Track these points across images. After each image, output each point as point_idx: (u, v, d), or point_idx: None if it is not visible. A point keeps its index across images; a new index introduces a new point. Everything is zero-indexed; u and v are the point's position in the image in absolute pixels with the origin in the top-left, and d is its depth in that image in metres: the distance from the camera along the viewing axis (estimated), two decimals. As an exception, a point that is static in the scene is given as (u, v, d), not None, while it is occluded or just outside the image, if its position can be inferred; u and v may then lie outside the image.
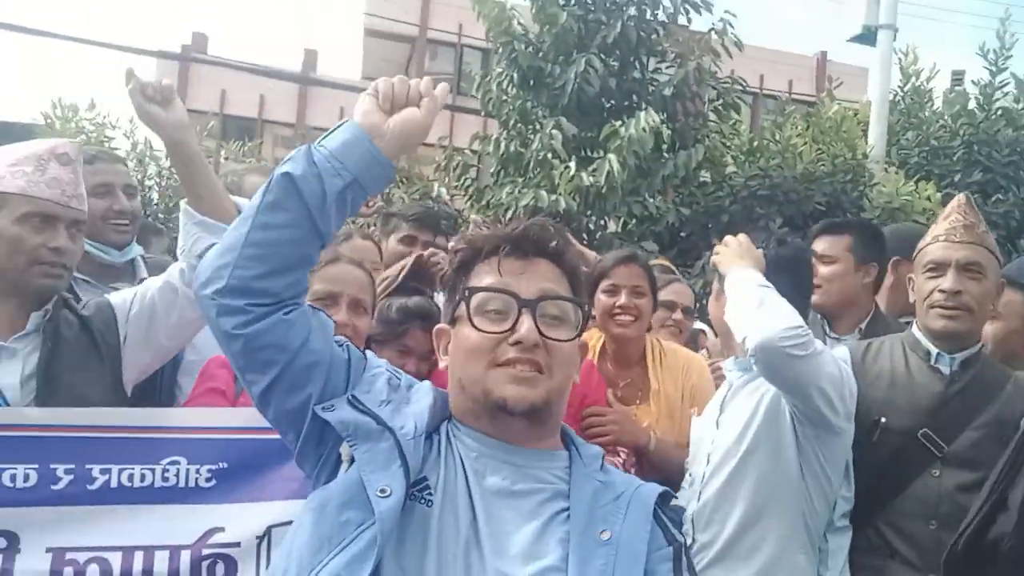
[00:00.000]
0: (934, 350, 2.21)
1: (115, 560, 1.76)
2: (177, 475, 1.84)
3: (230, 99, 21.92)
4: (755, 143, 7.87)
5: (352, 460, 1.28)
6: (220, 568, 1.79)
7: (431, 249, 3.05)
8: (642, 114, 6.32)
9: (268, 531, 1.83)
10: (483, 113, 7.97)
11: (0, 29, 11.77)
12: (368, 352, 1.48)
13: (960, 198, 2.33)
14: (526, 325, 1.32)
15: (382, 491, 1.23)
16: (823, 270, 2.86)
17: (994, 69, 8.70)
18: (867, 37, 8.37)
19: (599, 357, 2.88)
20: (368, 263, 2.61)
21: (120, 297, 2.13)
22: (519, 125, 7.61)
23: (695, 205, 7.41)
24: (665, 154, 7.19)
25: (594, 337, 2.83)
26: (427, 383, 1.46)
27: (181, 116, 2.16)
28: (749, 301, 2.16)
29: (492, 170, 7.65)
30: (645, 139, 6.27)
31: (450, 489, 1.30)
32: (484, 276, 1.38)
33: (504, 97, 7.60)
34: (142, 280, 2.50)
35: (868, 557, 2.19)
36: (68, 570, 1.73)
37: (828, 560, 2.19)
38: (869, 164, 7.52)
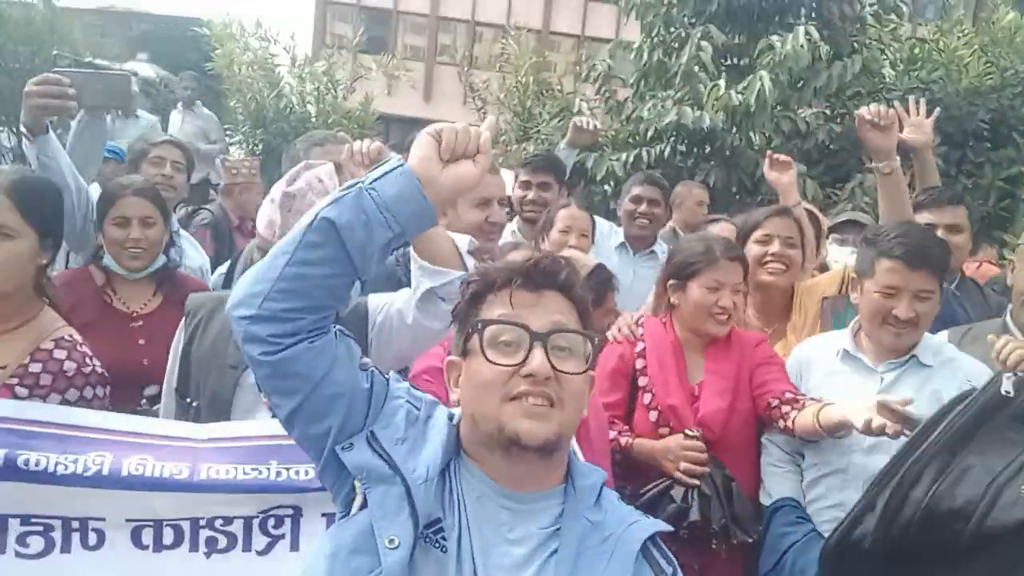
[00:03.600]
0: None
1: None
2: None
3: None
4: (916, 50, 7.38)
5: (365, 499, 1.32)
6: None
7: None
8: (800, 28, 6.04)
9: None
10: (622, 14, 7.68)
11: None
12: (391, 377, 1.48)
13: None
14: (538, 359, 1.33)
15: (391, 541, 1.27)
16: (957, 240, 2.97)
17: None
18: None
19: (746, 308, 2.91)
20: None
21: (376, 301, 2.25)
22: (663, 32, 7.40)
23: (847, 118, 7.10)
24: (818, 64, 6.87)
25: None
26: (443, 414, 1.46)
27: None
28: None
29: (631, 80, 7.52)
30: (801, 55, 6.01)
31: (461, 533, 1.33)
32: (495, 308, 1.39)
33: (649, 1, 7.38)
34: None
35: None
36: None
37: None
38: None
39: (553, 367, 1.34)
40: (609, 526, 1.39)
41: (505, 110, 8.14)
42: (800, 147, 6.83)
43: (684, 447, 2.43)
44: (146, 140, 4.25)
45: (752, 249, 2.91)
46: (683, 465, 2.41)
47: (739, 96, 6.06)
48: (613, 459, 2.39)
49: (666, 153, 6.62)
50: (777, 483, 2.50)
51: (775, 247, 2.89)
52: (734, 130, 6.47)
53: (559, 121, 7.65)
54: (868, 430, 2.06)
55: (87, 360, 2.09)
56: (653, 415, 2.54)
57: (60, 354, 2.05)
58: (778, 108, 6.57)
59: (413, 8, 22.63)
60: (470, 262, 2.08)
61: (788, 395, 2.45)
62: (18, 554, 1.84)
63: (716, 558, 2.41)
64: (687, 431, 2.46)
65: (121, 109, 2.98)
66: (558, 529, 1.37)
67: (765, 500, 2.51)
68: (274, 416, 1.46)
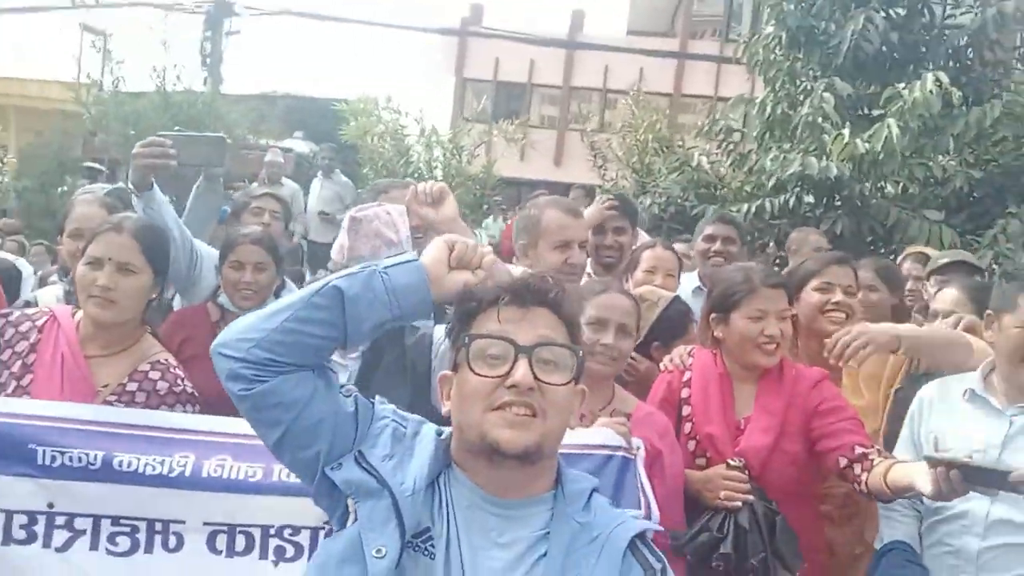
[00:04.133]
0: None
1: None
2: None
3: (502, 67, 22.97)
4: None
5: (356, 515, 1.38)
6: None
7: None
8: (928, 75, 5.80)
9: None
10: (748, 72, 7.72)
11: (296, 16, 13.62)
12: (376, 400, 1.54)
13: None
14: (521, 370, 1.37)
15: (378, 551, 1.32)
16: None
17: None
18: None
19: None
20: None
21: (442, 331, 2.34)
22: (787, 86, 7.30)
23: (991, 164, 6.68)
24: (956, 110, 6.55)
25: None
26: (431, 431, 1.51)
27: (448, 212, 2.45)
28: None
29: (755, 134, 7.43)
30: (931, 101, 5.75)
31: (450, 541, 1.38)
32: (484, 324, 1.44)
33: (772, 57, 7.32)
34: None
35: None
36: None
37: None
38: None
39: (537, 378, 1.38)
40: (597, 527, 1.42)
41: (624, 167, 8.25)
42: (938, 194, 6.48)
43: (724, 476, 2.36)
44: (247, 193, 4.63)
45: (811, 297, 2.85)
46: (723, 493, 2.33)
47: (865, 145, 5.84)
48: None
49: (790, 203, 6.46)
50: (891, 527, 2.39)
51: (837, 296, 2.83)
52: (862, 179, 6.23)
53: (678, 175, 7.66)
54: (939, 495, 1.93)
55: (178, 381, 2.28)
56: (691, 444, 2.48)
57: (155, 375, 2.26)
58: (911, 156, 6.30)
59: (546, 80, 23.36)
60: None
61: (859, 451, 2.30)
62: (108, 551, 1.98)
63: None
64: (729, 461, 2.38)
65: (214, 167, 3.23)
66: (547, 533, 1.40)
67: (878, 545, 2.40)
68: None
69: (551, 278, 1.50)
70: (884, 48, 6.70)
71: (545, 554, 1.38)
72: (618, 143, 8.81)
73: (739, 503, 2.31)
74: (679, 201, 7.50)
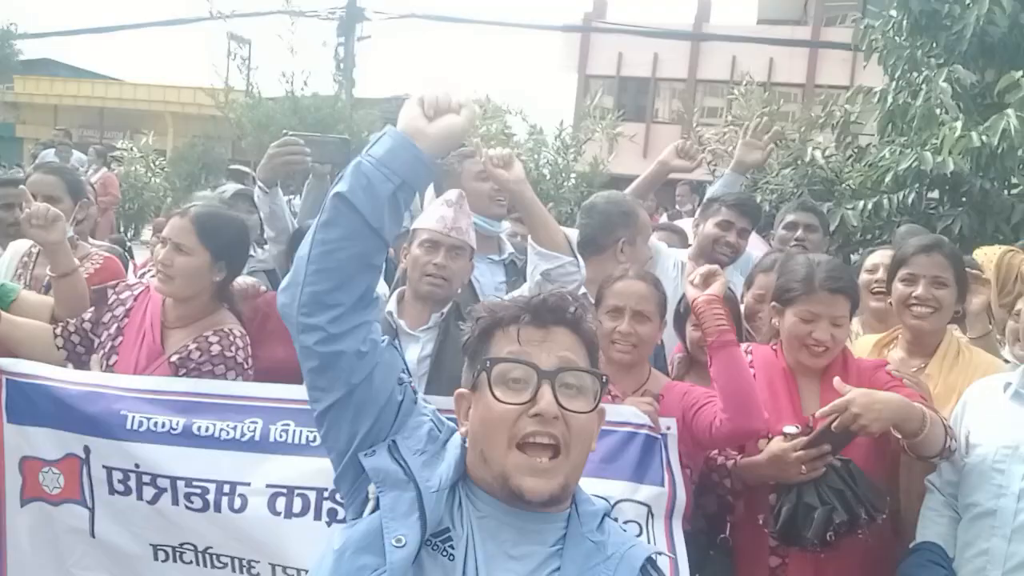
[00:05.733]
0: None
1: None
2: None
3: (626, 61, 22.82)
4: None
5: (377, 503, 1.39)
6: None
7: None
8: (1055, 59, 5.38)
9: None
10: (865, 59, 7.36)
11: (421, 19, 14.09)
12: (420, 397, 1.57)
13: None
14: (546, 398, 1.35)
15: (397, 540, 1.32)
16: None
17: None
18: None
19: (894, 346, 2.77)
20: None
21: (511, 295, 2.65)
22: (908, 74, 6.92)
23: None
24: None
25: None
26: (458, 439, 1.50)
27: (518, 174, 2.74)
28: None
29: (876, 125, 7.08)
30: (1057, 89, 5.34)
31: (468, 546, 1.38)
32: (504, 345, 1.42)
33: (892, 44, 6.95)
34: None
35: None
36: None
37: None
38: None
39: (561, 406, 1.36)
40: (612, 546, 1.42)
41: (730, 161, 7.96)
42: (1072, 189, 5.98)
43: (794, 448, 2.29)
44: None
45: (897, 288, 2.71)
46: (803, 467, 2.28)
47: (981, 138, 5.48)
48: (712, 482, 2.41)
49: (910, 200, 6.14)
50: (924, 527, 2.37)
51: (920, 289, 2.64)
52: (981, 175, 5.84)
53: (792, 171, 7.40)
54: None
55: (232, 348, 2.57)
56: (763, 444, 2.41)
57: (213, 339, 2.58)
58: (1042, 147, 5.83)
59: (671, 74, 23.01)
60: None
61: None
62: (186, 507, 2.25)
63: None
64: (785, 430, 2.32)
65: (339, 165, 3.54)
66: (560, 549, 1.40)
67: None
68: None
69: (569, 295, 1.48)
70: (1013, 32, 6.23)
71: (558, 568, 1.38)
72: (728, 136, 8.58)
73: (822, 469, 2.27)
74: (792, 197, 7.24)
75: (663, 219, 10.11)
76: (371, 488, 1.43)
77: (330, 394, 1.48)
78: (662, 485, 2.23)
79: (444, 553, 1.36)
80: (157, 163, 10.59)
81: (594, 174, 7.49)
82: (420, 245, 2.72)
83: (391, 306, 2.78)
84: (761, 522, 2.38)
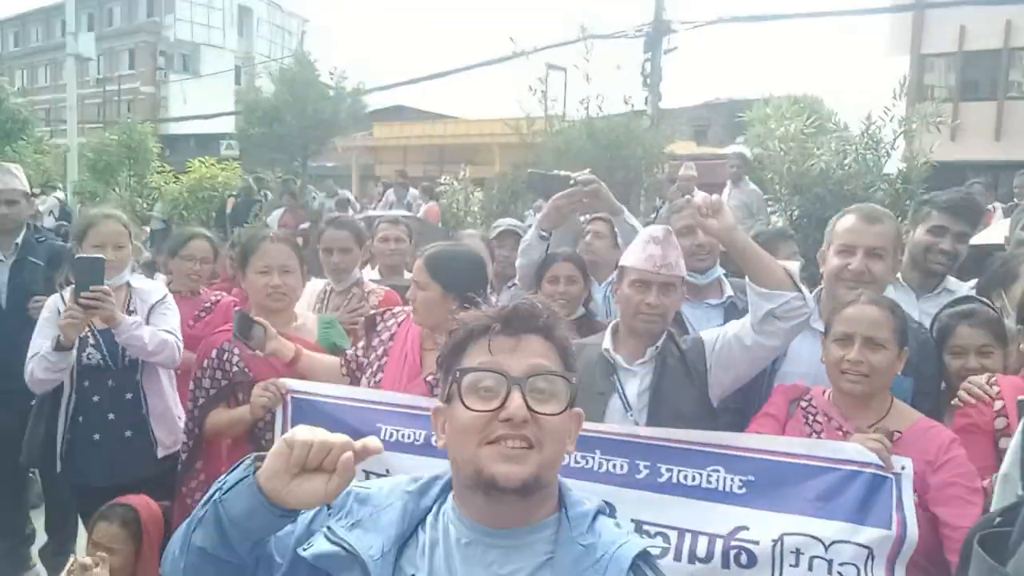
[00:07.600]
0: None
1: (672, 536, 2.31)
2: (718, 480, 2.33)
3: (970, 33, 20.11)
4: None
5: None
6: (743, 558, 2.14)
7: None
8: None
9: (781, 537, 2.10)
10: None
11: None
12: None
13: None
14: (515, 402, 1.35)
15: None
16: None
17: None
18: None
19: None
20: None
21: (710, 334, 2.81)
22: None
23: None
24: None
25: None
26: (400, 486, 1.49)
27: (727, 221, 2.64)
28: None
29: None
30: None
31: None
32: (475, 355, 1.42)
33: None
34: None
35: None
36: (644, 537, 2.28)
37: None
38: None
39: (531, 409, 1.37)
40: (601, 547, 1.40)
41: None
42: None
43: None
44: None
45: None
46: None
47: None
48: None
49: None
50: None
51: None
52: None
53: None
54: None
55: None
56: None
57: None
58: None
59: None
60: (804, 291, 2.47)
61: None
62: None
63: None
64: None
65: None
66: (550, 559, 1.39)
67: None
68: None
69: (540, 304, 1.48)
70: None
71: None
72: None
73: None
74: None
75: (998, 214, 8.74)
76: None
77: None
78: (888, 528, 2.12)
79: None
80: (474, 194, 11.67)
81: (911, 168, 6.63)
82: (631, 285, 2.77)
83: (607, 342, 2.83)
84: None
